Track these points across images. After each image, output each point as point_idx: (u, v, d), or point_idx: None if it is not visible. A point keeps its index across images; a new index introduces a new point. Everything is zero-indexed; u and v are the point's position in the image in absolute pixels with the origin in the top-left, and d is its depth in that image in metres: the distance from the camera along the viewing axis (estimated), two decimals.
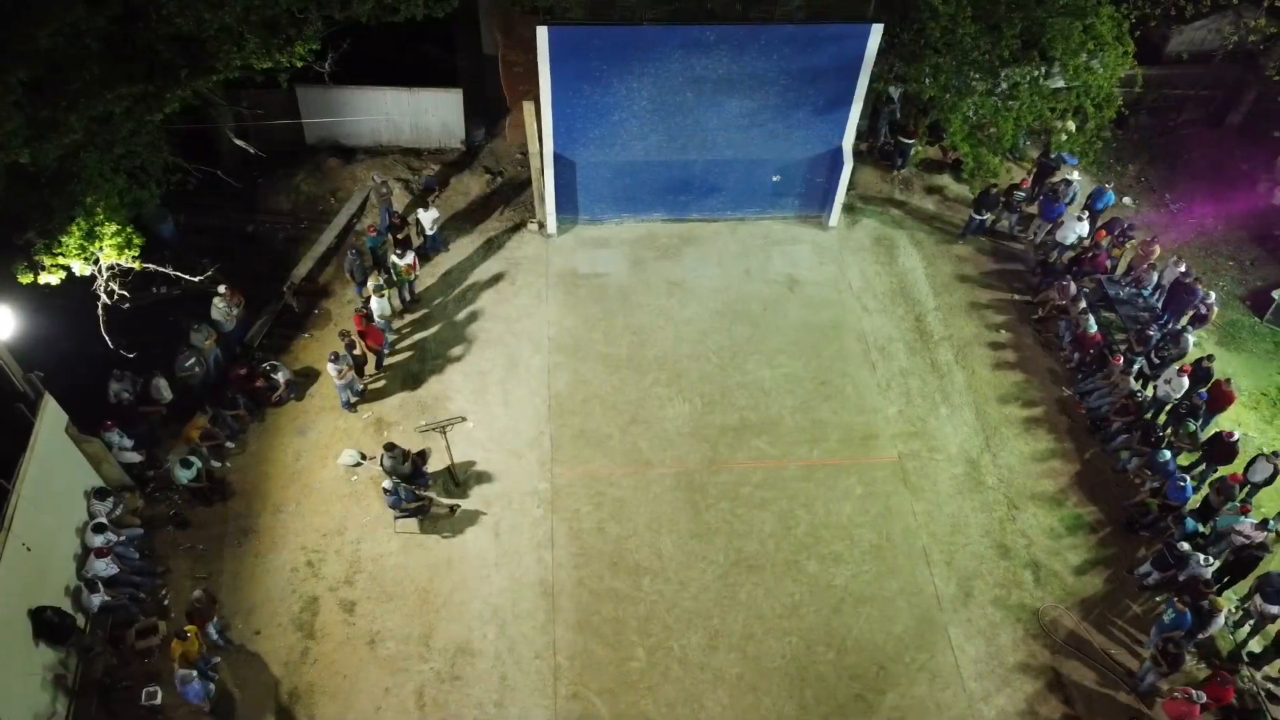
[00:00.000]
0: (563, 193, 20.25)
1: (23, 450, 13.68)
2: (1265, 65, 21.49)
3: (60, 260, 13.27)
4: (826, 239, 21.61)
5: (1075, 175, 20.74)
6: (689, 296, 20.23)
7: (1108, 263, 20.21)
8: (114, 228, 13.27)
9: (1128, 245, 20.72)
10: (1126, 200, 22.46)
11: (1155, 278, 19.68)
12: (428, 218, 19.76)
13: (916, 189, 22.82)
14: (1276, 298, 20.24)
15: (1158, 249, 19.98)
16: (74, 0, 10.93)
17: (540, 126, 18.96)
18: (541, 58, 17.56)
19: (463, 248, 21.01)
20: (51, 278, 13.35)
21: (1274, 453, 16.74)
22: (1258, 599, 15.14)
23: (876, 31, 17.81)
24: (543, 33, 17.15)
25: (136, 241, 13.81)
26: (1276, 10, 20.63)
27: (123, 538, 15.44)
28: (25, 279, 13.07)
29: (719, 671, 15.14)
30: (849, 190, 21.67)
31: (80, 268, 13.60)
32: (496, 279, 20.41)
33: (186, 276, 14.99)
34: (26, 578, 13.45)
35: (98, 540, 14.90)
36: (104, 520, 15.17)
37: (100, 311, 13.88)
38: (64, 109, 11.02)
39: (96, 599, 14.67)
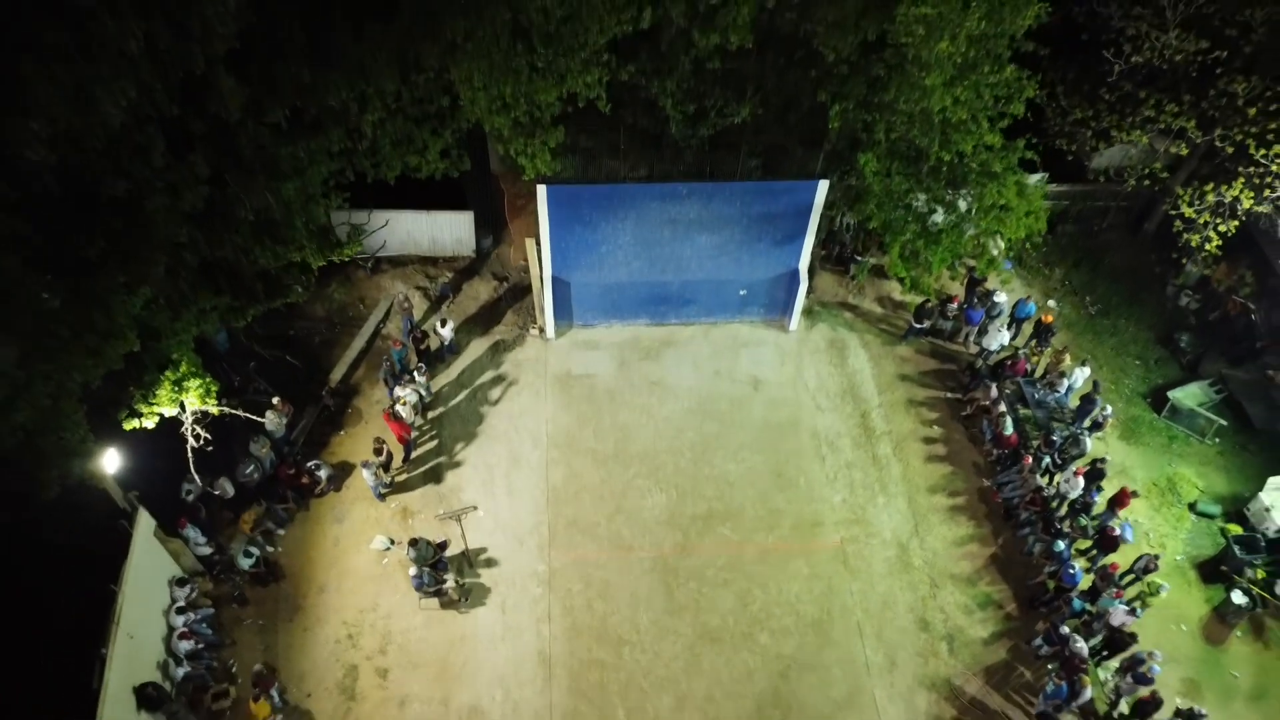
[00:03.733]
0: (559, 303, 23.57)
1: (125, 557, 17.09)
2: (1173, 186, 24.64)
3: (154, 408, 16.65)
4: (787, 341, 24.92)
5: (1001, 295, 24.03)
6: (667, 395, 23.57)
7: (1026, 367, 23.54)
8: (198, 381, 16.67)
9: (1046, 351, 24.08)
10: (1051, 303, 25.73)
11: (1066, 383, 22.96)
12: (446, 331, 23.16)
13: (868, 294, 26.11)
14: (1171, 398, 23.52)
15: (1068, 358, 23.33)
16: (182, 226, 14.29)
17: (540, 256, 22.31)
18: (540, 207, 20.91)
19: (474, 350, 24.33)
20: (148, 422, 16.74)
21: (1155, 555, 20.05)
22: (1125, 676, 18.55)
23: (823, 186, 21.16)
24: (542, 190, 20.48)
25: (214, 389, 17.20)
26: (1187, 136, 23.61)
27: (198, 616, 18.89)
28: (130, 425, 16.47)
29: None
30: (808, 295, 24.96)
31: (169, 411, 17.00)
32: (501, 379, 23.75)
33: (255, 417, 18.42)
34: (130, 659, 16.89)
35: (179, 621, 18.35)
36: (184, 604, 18.66)
37: (189, 453, 17.34)
38: (168, 319, 14.36)
39: (180, 670, 18.13)
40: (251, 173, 15.09)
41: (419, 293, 25.14)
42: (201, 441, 17.45)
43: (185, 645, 18.19)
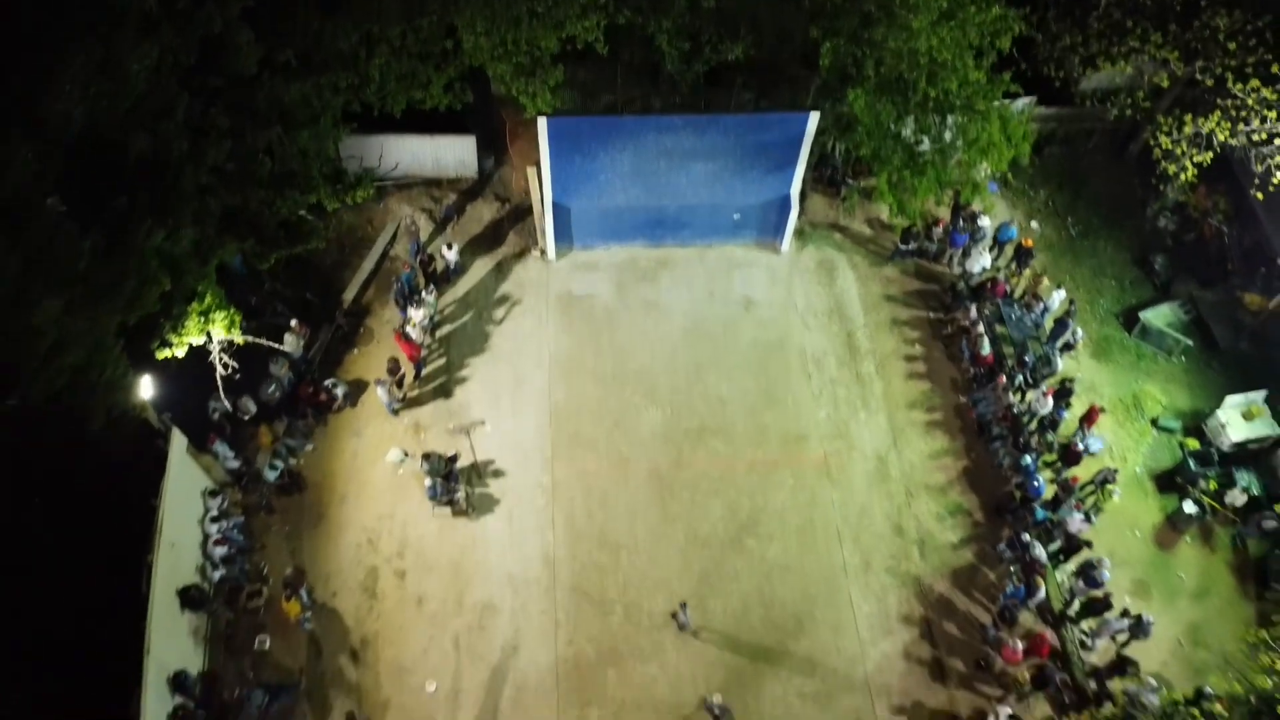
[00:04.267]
0: (560, 226, 24.54)
1: (163, 473, 18.62)
2: (1155, 114, 25.28)
3: (184, 338, 17.91)
4: (778, 263, 25.99)
5: (985, 220, 24.96)
6: (663, 317, 24.76)
7: (1006, 289, 24.67)
8: (223, 313, 17.89)
9: (1025, 272, 25.18)
10: (1034, 224, 26.68)
11: (1042, 305, 24.14)
12: (451, 254, 24.25)
13: (858, 216, 27.03)
14: (1141, 319, 24.74)
15: (1045, 281, 24.45)
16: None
17: (541, 184, 23.20)
18: (541, 139, 21.69)
19: (478, 270, 25.42)
20: (179, 351, 18.03)
21: (1114, 470, 21.65)
22: (1079, 579, 20.35)
23: (814, 117, 21.88)
24: (542, 122, 21.22)
25: (237, 319, 18.44)
26: (1169, 67, 24.19)
27: (230, 524, 20.54)
28: (161, 355, 17.75)
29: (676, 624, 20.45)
30: (800, 217, 25.90)
31: (197, 340, 18.28)
32: (505, 300, 24.90)
33: (278, 346, 19.70)
34: (173, 565, 18.60)
35: (213, 529, 20.05)
36: (217, 513, 20.31)
37: (218, 379, 18.70)
38: (196, 264, 15.51)
39: (217, 574, 19.89)
40: (267, 123, 15.99)
41: (424, 214, 26.10)
42: (230, 370, 18.79)
43: (220, 551, 19.90)
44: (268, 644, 19.52)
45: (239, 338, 18.78)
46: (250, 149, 15.88)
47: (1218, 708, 16.03)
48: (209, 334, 18.35)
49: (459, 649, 19.90)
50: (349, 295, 24.24)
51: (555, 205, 23.70)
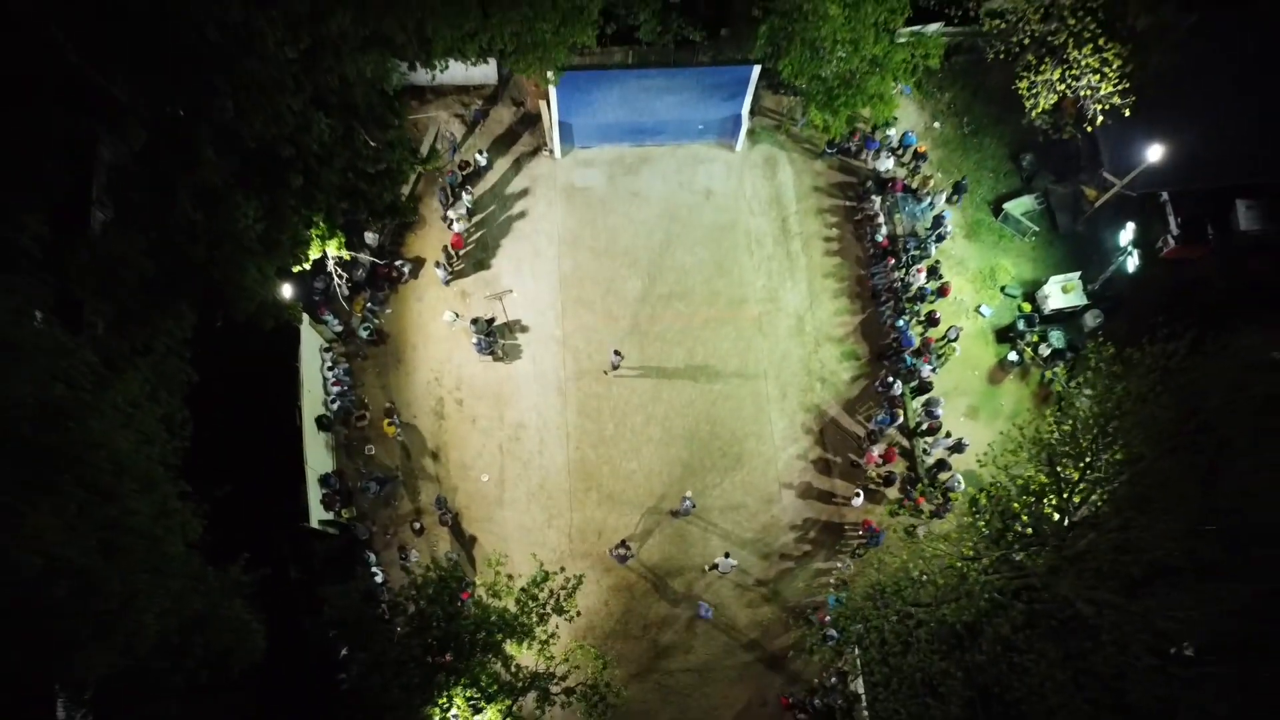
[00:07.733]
0: (564, 134, 31.70)
1: (299, 341, 27.25)
2: (1026, 53, 31.42)
3: (310, 256, 25.94)
4: (733, 159, 33.31)
5: (891, 130, 32.05)
6: (644, 203, 32.49)
7: (904, 185, 32.25)
8: (335, 240, 25.82)
9: (918, 175, 32.61)
10: (936, 124, 33.73)
11: (929, 200, 31.84)
12: (482, 158, 31.61)
13: (800, 117, 33.90)
14: (1005, 208, 32.50)
15: (933, 181, 32.02)
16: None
17: (550, 109, 30.18)
18: (550, 85, 28.54)
19: (501, 166, 32.79)
20: (305, 265, 26.11)
21: (957, 328, 30.34)
22: (923, 412, 29.70)
23: (756, 68, 28.67)
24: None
25: (343, 240, 26.40)
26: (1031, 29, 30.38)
27: (339, 370, 29.50)
28: (296, 268, 25.84)
29: (649, 436, 29.88)
30: (751, 117, 32.86)
31: (316, 256, 26.32)
32: (523, 191, 32.49)
33: (360, 254, 27.80)
34: (310, 402, 27.65)
35: (329, 375, 29.05)
36: (330, 363, 29.20)
37: (336, 284, 26.99)
38: (329, 223, 23.48)
39: (335, 404, 29.10)
40: (368, 123, 23.22)
41: (457, 120, 33.05)
42: (344, 279, 27.10)
43: (335, 389, 29.02)
44: (373, 451, 29.12)
45: (345, 253, 26.88)
46: (360, 147, 23.24)
47: (983, 499, 25.74)
48: (325, 251, 26.39)
49: (502, 453, 29.49)
50: (405, 190, 31.75)
51: (561, 122, 30.79)
